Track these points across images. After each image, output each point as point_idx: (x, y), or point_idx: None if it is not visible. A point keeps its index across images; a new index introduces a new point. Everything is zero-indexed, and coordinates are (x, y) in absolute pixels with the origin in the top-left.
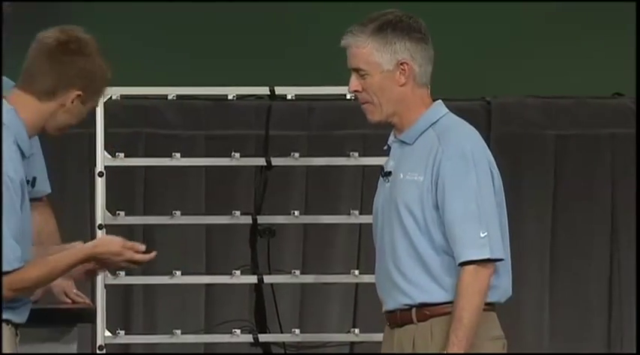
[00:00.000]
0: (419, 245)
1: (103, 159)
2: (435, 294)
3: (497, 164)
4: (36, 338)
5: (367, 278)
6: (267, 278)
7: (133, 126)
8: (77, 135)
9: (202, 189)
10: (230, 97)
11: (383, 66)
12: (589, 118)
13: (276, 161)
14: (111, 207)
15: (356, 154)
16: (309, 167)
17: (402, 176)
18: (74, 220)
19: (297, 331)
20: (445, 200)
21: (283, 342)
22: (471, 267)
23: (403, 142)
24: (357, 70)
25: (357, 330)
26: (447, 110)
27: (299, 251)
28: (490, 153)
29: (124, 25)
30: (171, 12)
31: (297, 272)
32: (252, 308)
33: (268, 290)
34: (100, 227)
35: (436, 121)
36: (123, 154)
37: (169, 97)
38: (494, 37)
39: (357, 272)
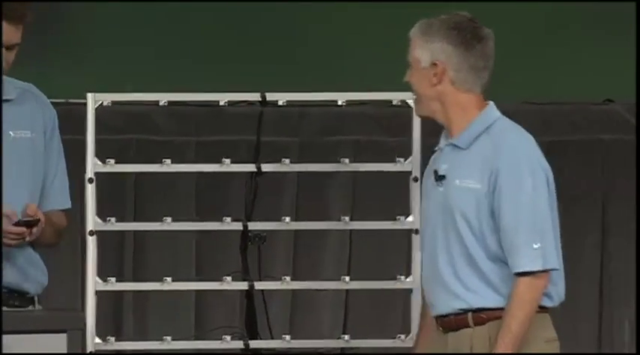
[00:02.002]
0: (474, 252)
1: (93, 165)
2: (491, 300)
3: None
4: (25, 345)
5: (357, 285)
6: (258, 285)
7: (123, 132)
8: (67, 141)
9: (193, 195)
10: (221, 103)
11: (421, 62)
12: (581, 124)
13: (267, 167)
14: (101, 213)
15: (347, 160)
16: (300, 173)
17: (457, 182)
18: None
19: (288, 337)
20: (501, 209)
21: (274, 349)
22: (525, 278)
23: (456, 146)
24: (409, 62)
25: (347, 336)
26: (499, 113)
27: (290, 257)
28: (544, 159)
29: (115, 31)
30: (163, 17)
31: (288, 278)
32: (242, 315)
33: (259, 297)
34: (91, 233)
35: (490, 126)
36: (113, 160)
37: (160, 103)
38: None
39: (347, 278)
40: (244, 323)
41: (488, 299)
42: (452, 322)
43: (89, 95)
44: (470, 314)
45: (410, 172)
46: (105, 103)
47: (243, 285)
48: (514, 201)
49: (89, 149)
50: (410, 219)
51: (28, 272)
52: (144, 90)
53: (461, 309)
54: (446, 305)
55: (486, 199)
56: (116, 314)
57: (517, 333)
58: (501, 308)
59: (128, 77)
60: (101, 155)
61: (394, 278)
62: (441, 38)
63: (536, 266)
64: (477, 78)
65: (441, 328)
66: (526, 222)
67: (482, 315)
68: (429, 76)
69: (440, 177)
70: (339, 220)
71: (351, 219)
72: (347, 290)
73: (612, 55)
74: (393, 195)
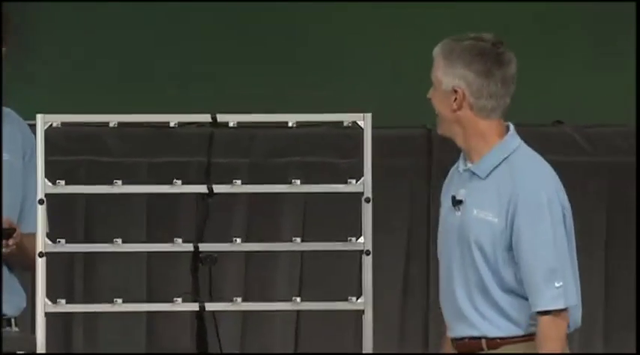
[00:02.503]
0: (489, 284)
1: (43, 186)
2: (506, 330)
3: (440, 193)
4: None
5: (308, 305)
6: (209, 306)
7: (73, 153)
8: None
9: (144, 217)
10: (172, 125)
11: (442, 85)
12: (530, 146)
13: (218, 188)
14: (51, 234)
15: (298, 182)
16: (251, 194)
17: (475, 212)
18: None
19: None
20: (520, 247)
21: None
22: (548, 317)
23: (474, 174)
24: (432, 80)
25: None
26: (520, 140)
27: (241, 278)
28: (563, 192)
29: (65, 52)
30: (114, 39)
31: (239, 299)
32: (193, 336)
33: (210, 318)
34: (41, 255)
35: (509, 155)
36: (64, 182)
37: (111, 124)
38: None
39: (298, 299)
40: (195, 343)
41: (503, 329)
42: (466, 345)
43: (39, 116)
44: (484, 340)
45: (362, 193)
46: (55, 124)
47: (194, 306)
48: (533, 240)
49: (39, 170)
50: (361, 240)
51: (5, 296)
52: (94, 111)
53: (474, 336)
54: (461, 330)
55: (503, 233)
56: (66, 336)
57: None
58: (517, 336)
59: (78, 98)
60: (51, 176)
61: (345, 299)
62: (462, 65)
63: (559, 305)
64: (497, 104)
65: (456, 350)
66: (546, 261)
67: (497, 340)
68: (449, 100)
69: (457, 202)
70: (291, 241)
71: (302, 240)
72: (298, 311)
73: (562, 76)
74: (344, 216)
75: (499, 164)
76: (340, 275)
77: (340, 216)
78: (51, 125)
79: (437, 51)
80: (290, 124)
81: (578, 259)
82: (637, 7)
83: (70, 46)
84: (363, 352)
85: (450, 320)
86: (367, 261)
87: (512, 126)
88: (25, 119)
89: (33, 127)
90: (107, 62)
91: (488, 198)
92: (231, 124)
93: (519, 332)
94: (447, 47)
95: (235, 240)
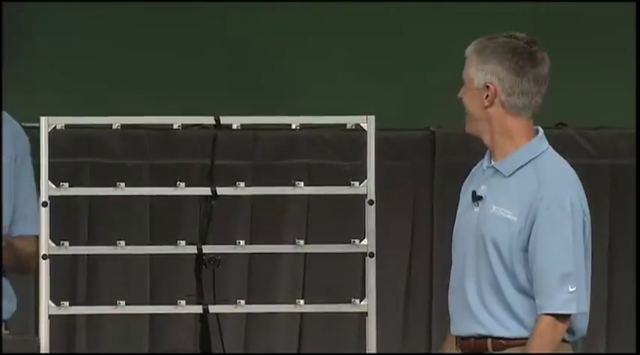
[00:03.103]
0: (502, 282)
1: (47, 188)
2: (514, 330)
3: (443, 195)
4: None
5: (312, 308)
6: (213, 308)
7: (77, 155)
8: None
9: (147, 219)
10: (175, 127)
11: (474, 82)
12: None
13: (221, 190)
14: (55, 237)
15: (301, 184)
16: (254, 196)
17: (494, 209)
18: None
19: None
20: (537, 248)
21: None
22: (550, 318)
23: (498, 171)
24: (463, 79)
25: None
26: (548, 145)
27: (244, 280)
28: (585, 201)
29: (68, 54)
30: (116, 41)
31: (243, 302)
32: (197, 338)
33: (213, 320)
34: (45, 257)
35: (536, 157)
36: (67, 184)
37: (114, 127)
38: (441, 67)
39: (302, 301)
40: (199, 346)
41: (511, 329)
42: (471, 345)
43: (42, 118)
44: (489, 340)
45: (365, 195)
46: (58, 127)
47: (197, 309)
48: (552, 244)
49: (43, 172)
50: (364, 242)
51: None
52: (97, 113)
53: (481, 335)
54: (468, 327)
55: (521, 233)
56: (69, 338)
57: None
58: (523, 338)
59: (81, 101)
60: (54, 178)
61: (349, 302)
62: (495, 61)
63: (571, 310)
64: (529, 103)
65: (460, 350)
66: (563, 264)
67: (502, 342)
68: (480, 97)
69: (477, 198)
70: (294, 243)
71: (306, 243)
72: (301, 313)
73: (565, 78)
74: (347, 218)
75: (524, 164)
76: (344, 278)
77: (343, 218)
78: (54, 127)
79: (470, 49)
80: (293, 126)
81: None
82: (637, 7)
83: (72, 48)
84: (367, 353)
85: (456, 317)
86: (371, 263)
87: (541, 130)
88: (28, 122)
89: (37, 130)
90: (109, 65)
91: (509, 196)
92: (234, 126)
93: (526, 333)
94: (480, 45)
95: (239, 243)
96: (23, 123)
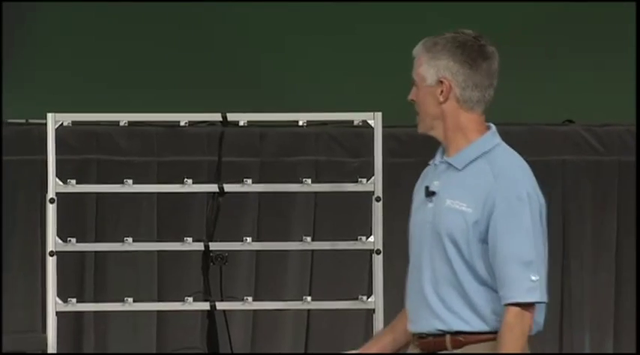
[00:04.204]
0: (461, 275)
1: (54, 185)
2: (474, 324)
3: None
4: None
5: (319, 305)
6: (220, 305)
7: (84, 152)
8: (28, 161)
9: (154, 216)
10: (182, 124)
11: (427, 80)
12: (540, 145)
13: (228, 187)
14: (62, 233)
15: (308, 181)
16: (261, 193)
17: (448, 202)
18: (25, 247)
19: None
20: (497, 239)
21: None
22: (516, 309)
23: (451, 165)
24: (413, 80)
25: None
26: (500, 139)
27: (251, 277)
28: (540, 191)
29: (76, 51)
30: (125, 38)
31: (250, 298)
32: (204, 334)
33: (220, 316)
34: (52, 254)
35: (488, 151)
36: (74, 181)
37: (121, 123)
38: None
39: (309, 298)
40: (206, 342)
41: (471, 323)
42: (430, 343)
43: (49, 115)
44: (448, 337)
45: (372, 192)
46: (65, 123)
47: (204, 306)
48: (513, 235)
49: (50, 169)
50: (371, 239)
51: None
52: (105, 110)
53: (440, 330)
54: (426, 323)
55: (478, 225)
56: (77, 335)
57: None
58: (481, 333)
59: (88, 97)
60: (62, 175)
61: (356, 298)
62: (447, 56)
63: (534, 298)
64: (482, 96)
65: (419, 349)
66: (525, 255)
67: (460, 338)
68: (435, 94)
69: (431, 193)
70: (301, 240)
71: (313, 239)
72: (309, 310)
73: (572, 76)
74: (354, 215)
75: (477, 158)
76: (351, 275)
77: (350, 214)
78: (61, 124)
79: (418, 49)
80: (300, 123)
81: (589, 257)
82: (637, 7)
83: (78, 46)
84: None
85: (414, 314)
86: (378, 260)
87: (493, 126)
88: (35, 118)
89: (44, 126)
90: (116, 63)
91: (463, 189)
92: (241, 123)
93: (485, 327)
94: (428, 43)
95: (246, 239)
96: (30, 120)
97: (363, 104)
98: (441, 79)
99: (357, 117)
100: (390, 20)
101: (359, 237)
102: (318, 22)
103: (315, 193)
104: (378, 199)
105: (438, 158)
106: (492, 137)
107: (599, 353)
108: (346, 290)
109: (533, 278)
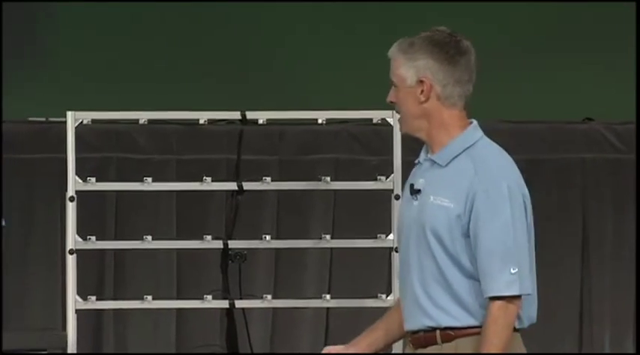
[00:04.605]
0: (447, 271)
1: (74, 183)
2: (462, 319)
3: None
4: None
5: (338, 303)
6: (239, 303)
7: (104, 150)
8: (47, 159)
9: (173, 214)
10: (201, 122)
11: (407, 81)
12: (560, 143)
13: (247, 185)
14: (82, 231)
15: (327, 179)
16: (280, 191)
17: (432, 199)
18: (45, 245)
19: None
20: (478, 233)
21: None
22: (499, 302)
23: (435, 162)
24: (392, 82)
25: None
26: (482, 133)
27: (270, 275)
28: (523, 184)
29: (95, 50)
30: (143, 37)
31: (269, 296)
32: (223, 333)
33: (240, 314)
34: (71, 252)
35: (470, 146)
36: (94, 179)
37: (140, 122)
38: None
39: (328, 296)
40: (225, 341)
41: (459, 319)
42: (421, 339)
43: (69, 113)
44: (438, 332)
45: (391, 190)
46: (85, 121)
47: (224, 304)
48: (492, 227)
49: (70, 167)
50: (390, 236)
51: None
52: (124, 108)
53: (429, 327)
54: (416, 320)
55: (460, 219)
56: (97, 332)
57: None
58: (470, 327)
59: (108, 96)
60: (81, 173)
61: (375, 297)
62: (425, 55)
63: (513, 291)
64: (463, 92)
65: (411, 344)
66: (504, 248)
67: (450, 332)
68: (415, 94)
69: (415, 191)
70: (320, 238)
71: (332, 237)
72: (327, 308)
73: (592, 74)
74: (374, 213)
75: (460, 153)
76: (370, 273)
77: (370, 212)
78: (81, 122)
79: (394, 50)
80: (320, 121)
81: (609, 253)
82: (637, 7)
83: (98, 45)
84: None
85: (406, 312)
86: (396, 258)
87: (475, 121)
88: (55, 117)
89: (63, 124)
90: (136, 61)
91: (446, 184)
92: (260, 121)
93: (474, 322)
94: (404, 44)
95: (265, 237)
96: (50, 118)
97: (383, 102)
98: (422, 79)
99: (376, 115)
100: (415, 20)
101: (378, 235)
102: (339, 20)
103: (334, 191)
104: (397, 197)
105: (422, 156)
106: (474, 131)
107: (599, 353)
108: (365, 289)
109: (512, 271)
